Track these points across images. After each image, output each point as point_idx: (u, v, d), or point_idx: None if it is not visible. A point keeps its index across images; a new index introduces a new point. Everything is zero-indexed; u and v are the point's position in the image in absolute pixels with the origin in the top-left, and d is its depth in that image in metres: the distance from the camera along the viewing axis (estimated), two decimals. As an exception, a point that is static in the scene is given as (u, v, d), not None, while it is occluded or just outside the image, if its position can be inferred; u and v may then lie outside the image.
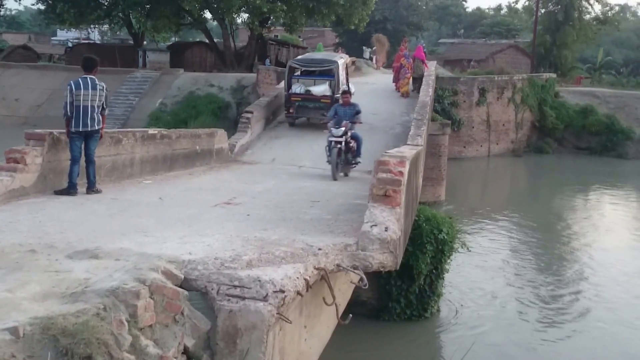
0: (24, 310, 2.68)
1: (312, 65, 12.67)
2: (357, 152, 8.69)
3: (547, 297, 9.02)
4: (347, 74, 13.28)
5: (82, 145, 5.74)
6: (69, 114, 5.70)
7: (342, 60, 13.06)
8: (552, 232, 13.52)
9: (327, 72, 12.37)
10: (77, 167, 5.68)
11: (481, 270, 9.99)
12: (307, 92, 12.06)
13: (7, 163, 5.38)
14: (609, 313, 8.40)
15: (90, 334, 2.61)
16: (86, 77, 5.82)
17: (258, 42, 31.57)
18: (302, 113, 12.24)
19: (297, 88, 12.18)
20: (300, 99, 12.03)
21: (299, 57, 14.69)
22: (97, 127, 5.78)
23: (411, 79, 15.13)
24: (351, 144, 8.57)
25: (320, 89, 12.05)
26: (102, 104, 5.84)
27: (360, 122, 8.81)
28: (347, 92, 8.91)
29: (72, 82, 5.81)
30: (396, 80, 16.02)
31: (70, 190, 5.61)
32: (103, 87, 5.91)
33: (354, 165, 8.74)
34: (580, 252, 11.71)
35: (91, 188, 5.79)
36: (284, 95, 12.37)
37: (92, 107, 5.74)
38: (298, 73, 12.61)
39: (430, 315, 7.82)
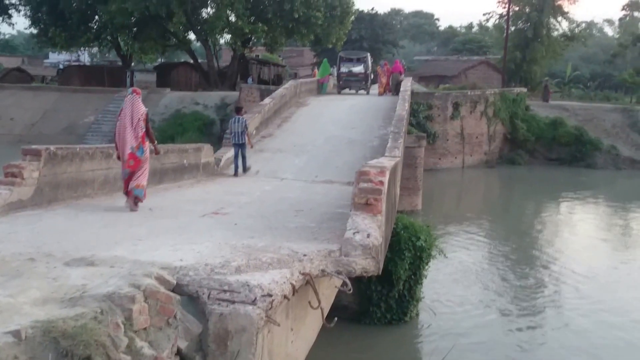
0: (26, 315, 2.79)
1: (352, 55, 22.54)
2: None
3: (520, 301, 9.29)
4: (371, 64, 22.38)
5: (239, 150, 9.83)
6: (229, 136, 10.21)
7: (369, 55, 22.71)
8: (524, 239, 13.90)
9: (361, 60, 21.64)
10: (237, 160, 9.82)
11: (458, 275, 10.24)
12: (350, 71, 21.33)
13: (5, 177, 5.49)
14: (579, 315, 8.71)
15: (89, 336, 2.73)
16: (236, 117, 10.06)
17: (240, 62, 31.97)
18: (347, 84, 21.37)
19: (344, 69, 21.44)
20: (345, 75, 21.35)
21: (344, 51, 24.26)
22: (243, 141, 9.85)
23: (385, 84, 21.13)
24: None
25: (358, 68, 21.27)
26: (244, 129, 9.80)
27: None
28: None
29: (231, 119, 10.25)
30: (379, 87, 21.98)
31: (235, 174, 9.73)
32: (244, 121, 9.97)
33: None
34: (550, 257, 12.08)
35: (244, 170, 9.85)
36: (337, 74, 21.85)
37: (240, 132, 9.83)
38: (344, 60, 21.70)
39: (410, 319, 8.00)
